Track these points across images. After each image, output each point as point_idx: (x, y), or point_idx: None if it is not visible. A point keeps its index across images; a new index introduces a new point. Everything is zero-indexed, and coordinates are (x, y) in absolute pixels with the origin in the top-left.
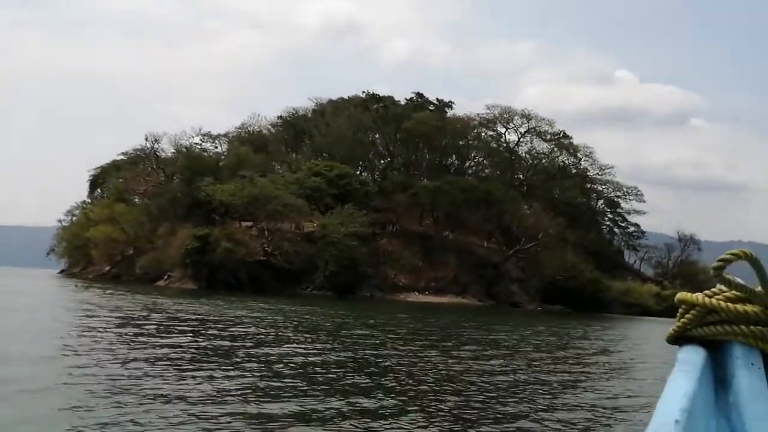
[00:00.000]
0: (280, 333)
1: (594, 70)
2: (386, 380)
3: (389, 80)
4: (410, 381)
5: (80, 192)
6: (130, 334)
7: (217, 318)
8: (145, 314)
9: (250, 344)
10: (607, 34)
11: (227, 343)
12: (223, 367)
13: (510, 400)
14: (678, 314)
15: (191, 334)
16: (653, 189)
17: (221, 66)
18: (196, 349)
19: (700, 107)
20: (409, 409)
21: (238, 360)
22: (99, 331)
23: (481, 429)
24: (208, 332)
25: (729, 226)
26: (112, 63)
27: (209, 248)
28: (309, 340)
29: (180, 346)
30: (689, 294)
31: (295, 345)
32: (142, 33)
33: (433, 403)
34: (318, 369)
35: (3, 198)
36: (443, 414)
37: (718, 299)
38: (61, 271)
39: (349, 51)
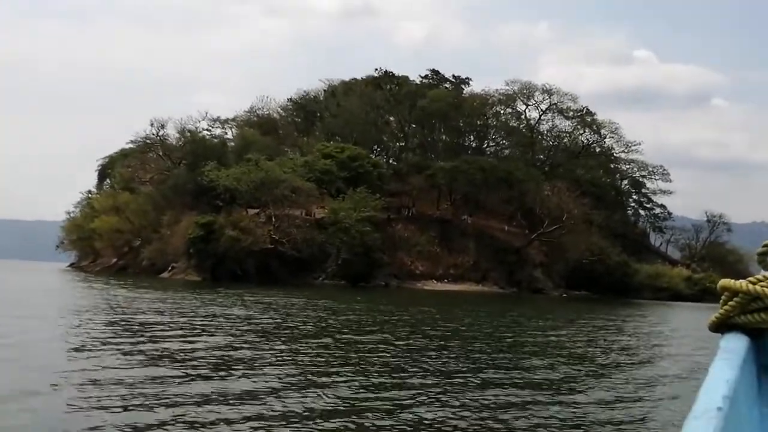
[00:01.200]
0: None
1: (612, 49)
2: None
3: (405, 64)
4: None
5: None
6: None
7: (184, 320)
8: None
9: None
10: (625, 13)
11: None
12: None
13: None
14: (721, 301)
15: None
16: (674, 171)
17: (239, 54)
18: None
19: (722, 86)
20: None
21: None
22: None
23: None
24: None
25: (753, 207)
26: (127, 53)
27: (213, 237)
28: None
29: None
30: (732, 281)
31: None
32: (158, 22)
33: None
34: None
35: (21, 193)
36: None
37: (762, 286)
38: (71, 265)
39: (365, 34)
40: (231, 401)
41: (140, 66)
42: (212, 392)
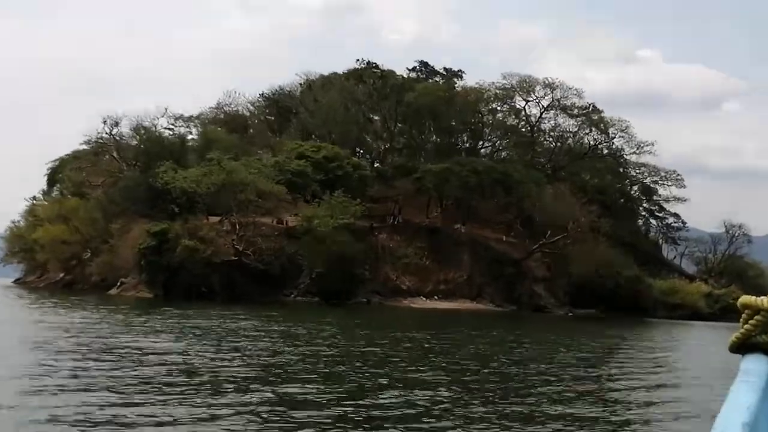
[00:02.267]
0: None
1: (614, 49)
2: None
3: (393, 64)
4: None
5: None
6: None
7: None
8: None
9: None
10: (628, 10)
11: None
12: None
13: None
14: (741, 320)
15: None
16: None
17: (217, 54)
18: None
19: (733, 88)
20: None
21: None
22: None
23: None
24: None
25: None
26: (92, 53)
27: (167, 247)
28: None
29: None
30: (753, 298)
31: None
32: (130, 21)
33: None
34: None
35: None
36: None
37: None
38: (17, 280)
39: (353, 33)
40: None
41: (112, 66)
42: None
